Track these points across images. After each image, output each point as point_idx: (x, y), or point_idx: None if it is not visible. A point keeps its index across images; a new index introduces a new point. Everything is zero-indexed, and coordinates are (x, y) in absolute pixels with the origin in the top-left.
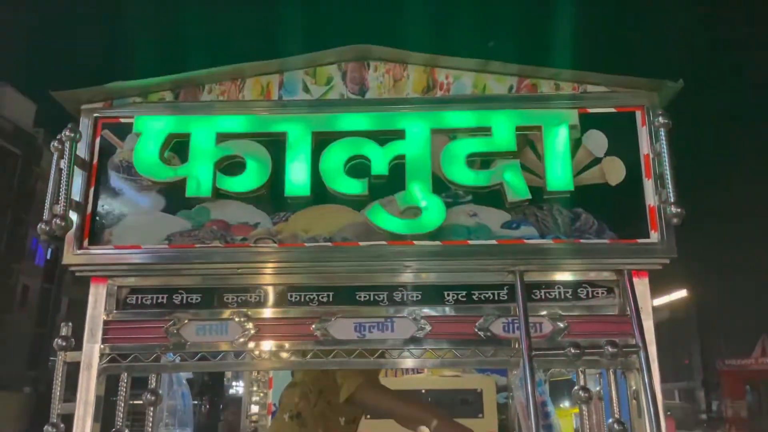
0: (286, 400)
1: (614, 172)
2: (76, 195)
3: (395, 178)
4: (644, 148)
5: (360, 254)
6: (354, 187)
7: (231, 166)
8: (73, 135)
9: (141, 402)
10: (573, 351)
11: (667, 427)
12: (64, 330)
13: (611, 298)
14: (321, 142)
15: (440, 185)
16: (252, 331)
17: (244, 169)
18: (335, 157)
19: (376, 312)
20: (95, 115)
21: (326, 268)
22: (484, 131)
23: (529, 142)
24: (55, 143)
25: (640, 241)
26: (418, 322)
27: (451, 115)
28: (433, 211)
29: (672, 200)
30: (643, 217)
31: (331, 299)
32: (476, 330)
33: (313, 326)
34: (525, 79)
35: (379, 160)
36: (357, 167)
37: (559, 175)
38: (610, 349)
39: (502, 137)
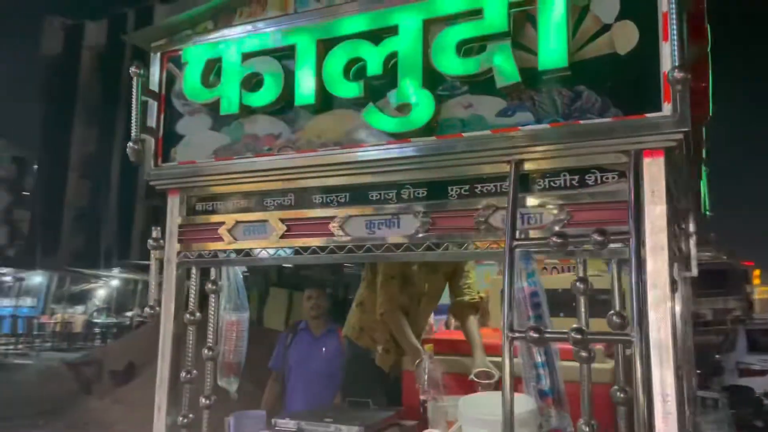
0: (359, 291)
1: (625, 38)
2: (151, 121)
3: (394, 77)
4: (663, 4)
5: (364, 156)
6: (351, 90)
7: (257, 83)
8: (139, 71)
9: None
10: (556, 240)
11: None
12: (154, 233)
13: (623, 183)
14: (326, 50)
15: (436, 79)
16: (283, 230)
17: (263, 84)
18: (335, 62)
19: (384, 210)
20: (159, 52)
21: (337, 172)
22: (477, 15)
23: (531, 17)
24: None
25: (649, 115)
26: (420, 217)
27: (442, 2)
28: (422, 106)
29: (676, 63)
30: (656, 88)
31: (347, 200)
32: (474, 223)
33: (331, 225)
34: None
35: (374, 60)
36: (358, 70)
37: (553, 51)
38: (596, 237)
39: (493, 18)
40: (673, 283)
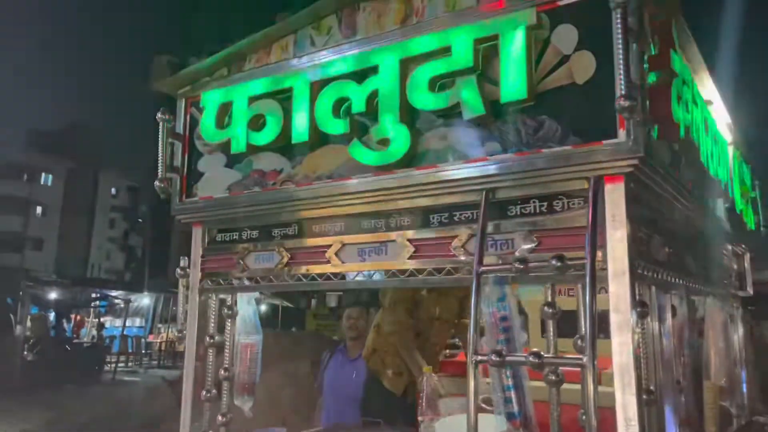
0: (377, 313)
1: (582, 68)
2: (177, 161)
3: (376, 113)
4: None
5: (351, 187)
6: (339, 127)
7: (262, 123)
8: (164, 117)
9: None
10: (517, 266)
11: None
12: (182, 262)
13: (587, 209)
14: (318, 91)
15: (413, 114)
16: (285, 259)
17: (266, 125)
18: (325, 101)
19: (374, 238)
20: (184, 97)
21: (330, 203)
22: (446, 52)
23: (496, 52)
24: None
25: (605, 142)
26: (405, 245)
27: (416, 42)
28: (399, 139)
29: (622, 92)
30: (612, 116)
31: (342, 229)
32: (452, 250)
33: (327, 253)
34: None
35: (358, 98)
36: (345, 108)
37: (514, 84)
38: (555, 263)
39: (460, 54)
40: (643, 306)
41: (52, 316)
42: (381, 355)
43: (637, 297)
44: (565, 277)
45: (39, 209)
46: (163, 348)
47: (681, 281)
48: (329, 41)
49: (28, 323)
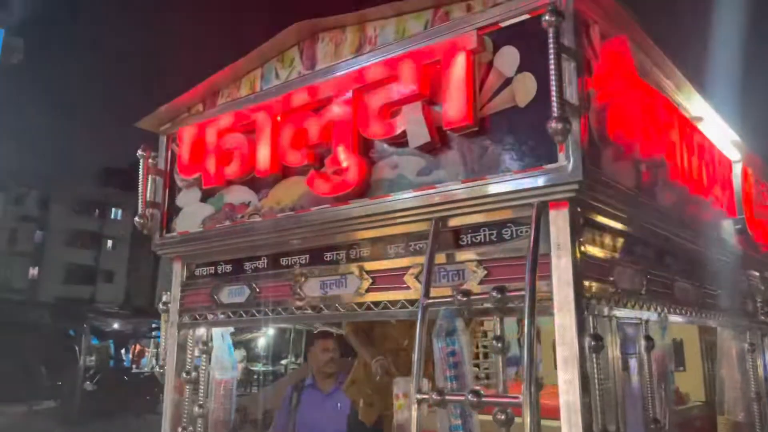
0: None
1: (524, 90)
2: (158, 196)
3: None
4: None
5: (310, 219)
6: (297, 158)
7: (231, 156)
8: (143, 154)
9: None
10: (460, 298)
11: None
12: (164, 297)
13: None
14: (279, 124)
15: (366, 143)
16: (255, 293)
17: (233, 158)
18: (285, 134)
19: (335, 270)
20: (165, 134)
21: (292, 235)
22: (395, 80)
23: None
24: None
25: (546, 167)
26: (364, 277)
27: (365, 70)
28: (353, 170)
29: (554, 115)
30: (552, 139)
31: (308, 260)
32: (405, 281)
33: (292, 286)
34: (439, 9)
35: (315, 129)
36: (303, 140)
37: (456, 109)
38: (495, 295)
39: (406, 81)
40: (597, 339)
41: (111, 346)
42: (359, 386)
43: (592, 329)
44: (508, 309)
45: (110, 243)
46: None
47: (664, 310)
48: (292, 73)
49: (90, 354)
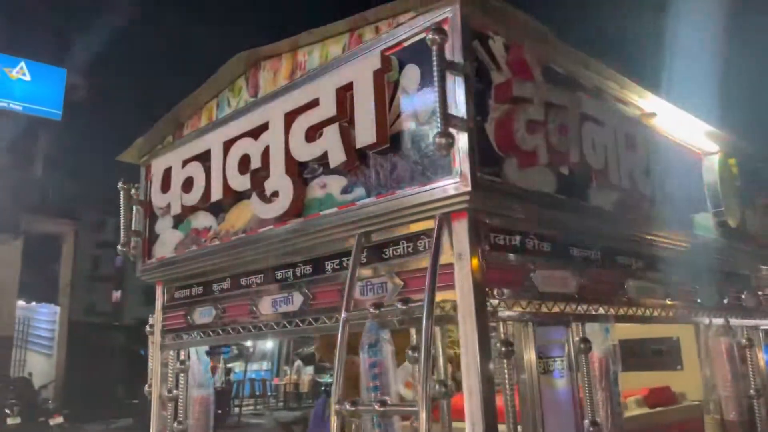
0: None
1: (424, 106)
2: (139, 225)
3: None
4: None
5: (257, 241)
6: (243, 183)
7: (192, 185)
8: (124, 186)
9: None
10: (372, 311)
11: None
12: (151, 320)
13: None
14: (227, 150)
15: (298, 165)
16: (220, 313)
17: (193, 186)
18: (232, 160)
19: (283, 288)
20: (144, 165)
21: (244, 256)
22: (317, 104)
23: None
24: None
25: (443, 180)
26: (306, 294)
27: (294, 95)
28: (285, 191)
29: (438, 129)
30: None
31: (262, 280)
32: (339, 295)
33: (249, 305)
34: (353, 33)
35: (255, 155)
36: (246, 165)
37: (366, 128)
38: (399, 306)
39: (326, 104)
40: (507, 345)
41: None
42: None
43: (503, 335)
44: (416, 320)
45: None
46: (288, 390)
47: (608, 311)
48: (240, 102)
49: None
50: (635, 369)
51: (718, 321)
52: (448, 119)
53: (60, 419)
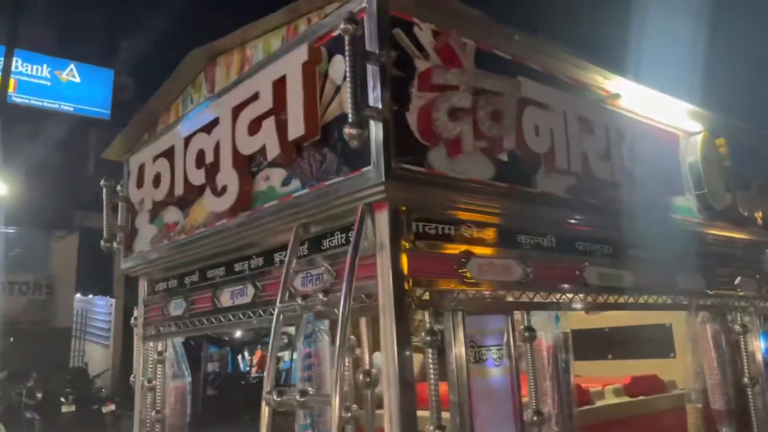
0: None
1: (348, 97)
2: (123, 221)
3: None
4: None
5: (214, 234)
6: (200, 178)
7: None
8: (106, 183)
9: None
10: (300, 302)
11: None
12: (136, 312)
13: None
14: (186, 146)
15: (245, 158)
16: (191, 305)
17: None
18: (190, 156)
19: (239, 281)
20: (126, 162)
21: (205, 250)
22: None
23: None
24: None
25: (363, 170)
26: (257, 287)
27: (239, 90)
28: (232, 185)
29: (350, 120)
30: (368, 144)
31: (224, 273)
32: (281, 287)
33: (212, 297)
34: (290, 25)
35: (209, 149)
36: (202, 160)
37: (296, 120)
38: (321, 298)
39: (264, 97)
40: (431, 335)
41: (229, 354)
42: None
43: (428, 324)
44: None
45: None
46: None
47: (562, 298)
48: (200, 98)
49: (212, 360)
50: (625, 357)
51: (704, 307)
52: (359, 109)
53: (112, 407)
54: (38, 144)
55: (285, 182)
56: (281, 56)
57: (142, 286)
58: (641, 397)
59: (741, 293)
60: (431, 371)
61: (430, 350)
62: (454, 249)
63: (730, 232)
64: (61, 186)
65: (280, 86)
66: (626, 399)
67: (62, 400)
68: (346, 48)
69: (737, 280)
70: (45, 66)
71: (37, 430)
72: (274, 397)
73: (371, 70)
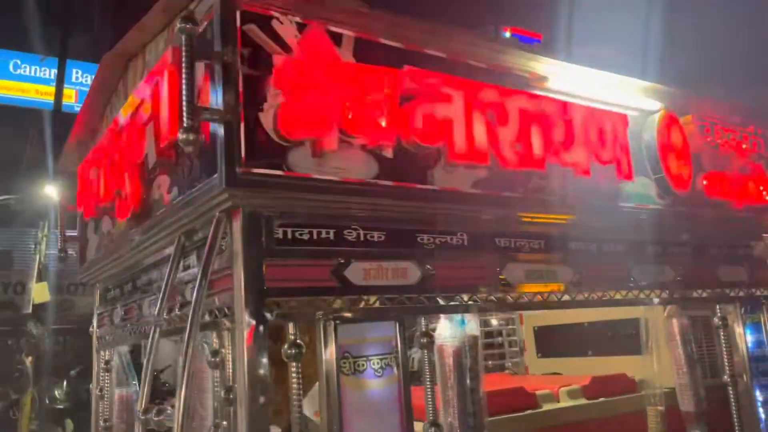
0: None
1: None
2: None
3: None
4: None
5: (128, 242)
6: (114, 186)
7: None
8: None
9: None
10: (165, 317)
11: None
12: (94, 321)
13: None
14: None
15: (141, 166)
16: (123, 314)
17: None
18: (108, 166)
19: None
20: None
21: (127, 259)
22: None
23: None
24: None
25: (214, 176)
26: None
27: (134, 98)
28: (132, 194)
29: (183, 124)
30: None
31: (148, 281)
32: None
33: (138, 306)
34: (170, 26)
35: (117, 159)
36: None
37: (164, 127)
38: (177, 312)
39: (145, 104)
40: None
41: None
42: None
43: (291, 336)
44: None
45: None
46: None
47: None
48: (119, 106)
49: None
50: (608, 354)
51: (672, 300)
52: (194, 113)
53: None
54: None
55: (169, 189)
56: (157, 60)
57: (96, 295)
58: (601, 399)
59: (721, 283)
60: (294, 384)
61: (294, 363)
62: (332, 254)
63: (699, 217)
64: None
65: (155, 91)
66: (582, 401)
67: None
68: (182, 48)
69: (719, 270)
70: None
71: None
72: (152, 416)
73: (217, 70)
